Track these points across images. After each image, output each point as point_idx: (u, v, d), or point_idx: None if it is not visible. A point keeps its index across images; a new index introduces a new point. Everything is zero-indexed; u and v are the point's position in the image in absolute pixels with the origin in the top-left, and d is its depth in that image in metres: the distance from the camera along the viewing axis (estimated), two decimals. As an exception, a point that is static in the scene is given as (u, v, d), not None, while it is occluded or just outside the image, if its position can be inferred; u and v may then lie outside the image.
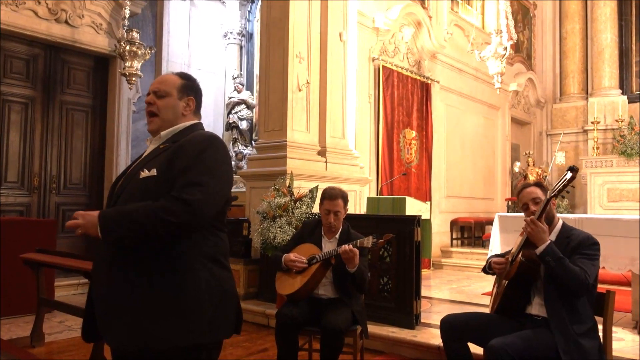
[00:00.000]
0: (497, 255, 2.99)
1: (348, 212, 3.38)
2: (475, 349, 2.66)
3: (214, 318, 1.71)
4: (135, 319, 1.63)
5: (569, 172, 2.49)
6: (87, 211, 1.67)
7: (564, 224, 2.69)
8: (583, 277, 2.40)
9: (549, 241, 2.48)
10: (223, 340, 1.80)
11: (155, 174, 1.71)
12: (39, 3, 6.09)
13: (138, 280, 1.64)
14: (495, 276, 2.90)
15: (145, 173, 1.73)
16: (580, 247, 2.54)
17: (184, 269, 1.67)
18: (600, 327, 2.50)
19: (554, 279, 2.46)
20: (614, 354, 2.57)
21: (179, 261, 1.67)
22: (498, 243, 4.88)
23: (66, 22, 6.31)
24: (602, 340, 2.48)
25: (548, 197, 2.55)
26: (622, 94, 11.94)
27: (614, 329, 2.62)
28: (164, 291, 1.64)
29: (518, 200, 2.81)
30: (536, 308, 2.59)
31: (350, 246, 2.99)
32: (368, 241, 2.99)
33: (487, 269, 2.90)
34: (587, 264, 2.46)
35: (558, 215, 2.78)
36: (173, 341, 1.63)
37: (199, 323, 1.66)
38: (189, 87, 1.92)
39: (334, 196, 3.25)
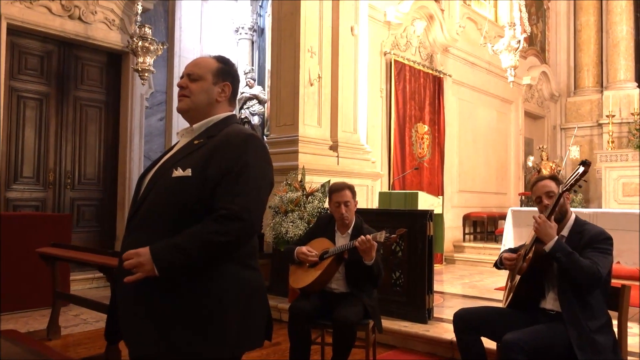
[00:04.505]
0: (509, 250, 2.97)
1: (360, 206, 3.38)
2: (489, 343, 2.65)
3: (240, 328, 1.62)
4: (156, 326, 1.56)
5: (581, 166, 2.46)
6: (136, 250, 1.54)
7: (576, 218, 2.65)
8: (595, 269, 2.36)
9: (557, 237, 2.45)
10: (249, 350, 1.71)
11: (190, 174, 1.60)
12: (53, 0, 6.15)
13: (162, 286, 1.56)
14: (508, 271, 2.89)
15: (179, 172, 1.62)
16: (593, 241, 2.50)
17: (209, 275, 1.59)
18: (615, 322, 2.48)
19: (566, 274, 2.44)
20: (628, 349, 2.55)
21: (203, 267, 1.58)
22: (511, 238, 4.87)
23: (79, 18, 6.36)
24: (617, 335, 2.46)
25: (560, 191, 2.52)
26: (638, 87, 11.77)
27: (629, 324, 2.59)
28: (188, 298, 1.57)
29: (532, 193, 2.77)
30: (550, 302, 2.58)
31: (369, 236, 2.98)
32: (381, 236, 2.98)
33: (499, 264, 2.88)
34: (598, 256, 2.42)
35: (572, 209, 2.74)
36: (195, 351, 1.55)
37: (224, 333, 1.59)
38: (226, 72, 1.79)
39: (340, 188, 3.27)
